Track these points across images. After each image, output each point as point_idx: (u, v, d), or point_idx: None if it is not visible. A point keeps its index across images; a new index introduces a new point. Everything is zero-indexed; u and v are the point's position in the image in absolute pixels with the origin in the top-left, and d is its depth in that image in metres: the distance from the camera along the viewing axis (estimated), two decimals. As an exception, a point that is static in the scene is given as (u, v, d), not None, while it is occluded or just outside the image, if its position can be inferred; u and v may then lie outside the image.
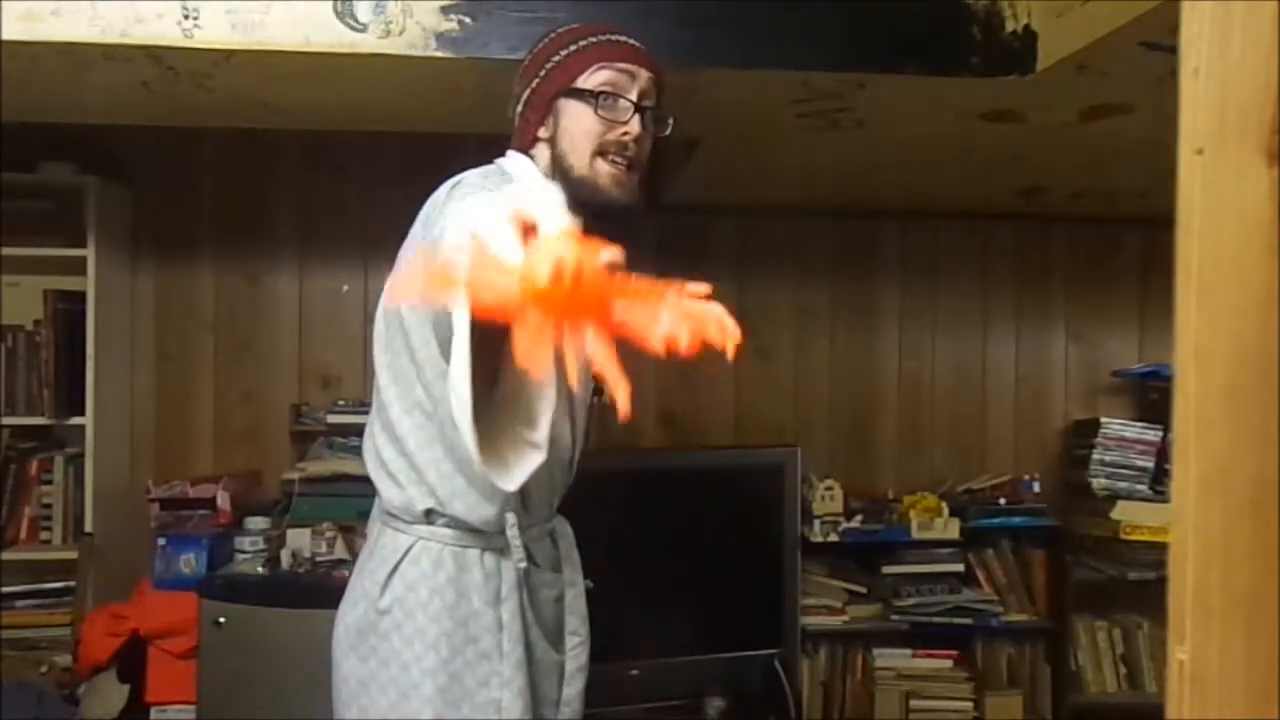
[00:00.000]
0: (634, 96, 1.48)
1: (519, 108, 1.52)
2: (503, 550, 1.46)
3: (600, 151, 1.46)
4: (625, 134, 1.46)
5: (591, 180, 1.46)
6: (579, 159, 1.46)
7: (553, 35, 1.53)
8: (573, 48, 1.49)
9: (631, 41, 1.51)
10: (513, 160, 1.52)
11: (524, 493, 1.42)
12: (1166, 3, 1.42)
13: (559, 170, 1.48)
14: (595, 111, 1.45)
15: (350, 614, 1.49)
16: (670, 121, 1.53)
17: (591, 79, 1.46)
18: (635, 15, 1.78)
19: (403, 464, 1.45)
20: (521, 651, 1.45)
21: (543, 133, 1.49)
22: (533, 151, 1.51)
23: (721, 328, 0.81)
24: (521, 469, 1.19)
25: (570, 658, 1.56)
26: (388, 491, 1.48)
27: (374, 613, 1.44)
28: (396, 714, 1.41)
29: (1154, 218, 3.14)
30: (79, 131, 2.81)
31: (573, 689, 1.56)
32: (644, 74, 1.48)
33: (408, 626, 1.42)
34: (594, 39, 1.49)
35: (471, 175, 1.46)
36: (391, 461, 1.47)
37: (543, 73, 1.49)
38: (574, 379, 0.91)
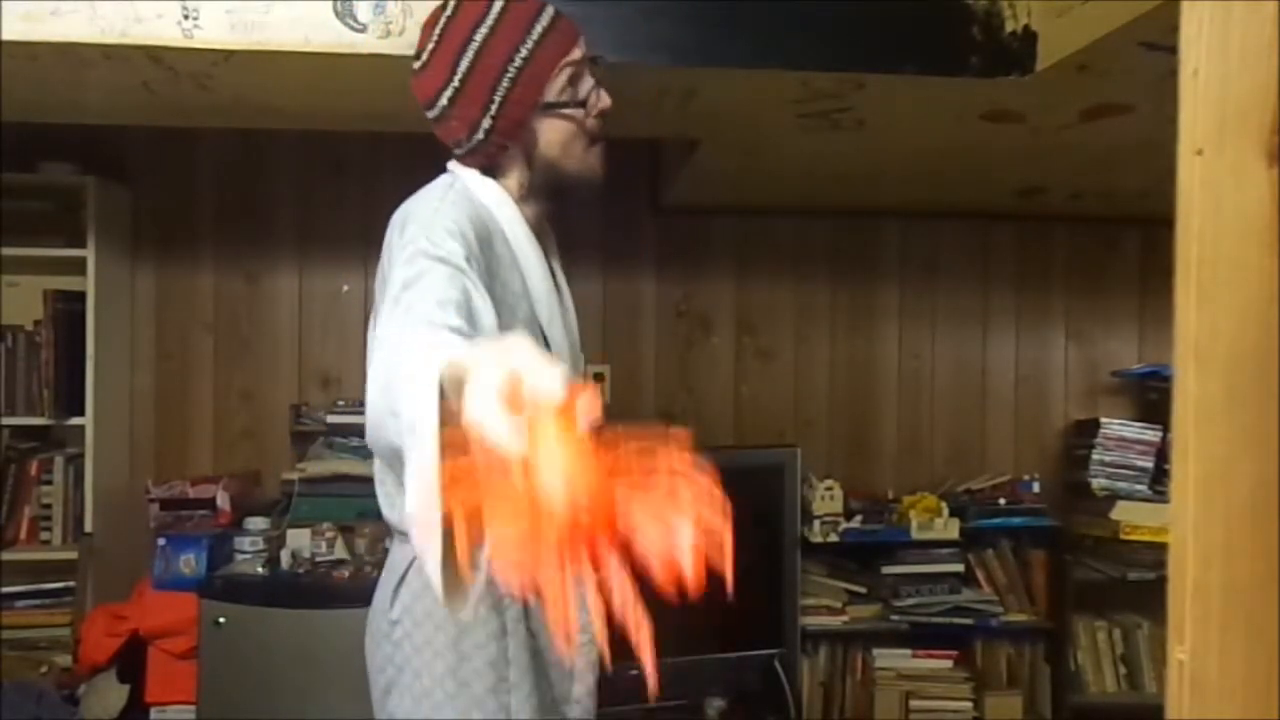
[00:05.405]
0: (589, 78, 1.45)
1: (479, 135, 1.41)
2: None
3: (590, 143, 1.45)
4: (602, 112, 1.45)
5: (585, 173, 1.46)
6: (574, 161, 1.45)
7: (474, 54, 1.39)
8: (519, 59, 1.39)
9: (551, 9, 1.42)
10: (466, 174, 1.45)
11: None
12: (1166, 3, 1.42)
13: (545, 175, 1.44)
14: (586, 117, 1.43)
15: (372, 622, 1.52)
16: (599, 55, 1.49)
17: (557, 84, 1.41)
18: (636, 15, 1.78)
19: (393, 479, 1.45)
20: (528, 656, 1.44)
21: (513, 148, 1.43)
22: (500, 164, 1.44)
23: (715, 504, 0.77)
24: (475, 593, 1.00)
25: (579, 655, 1.54)
26: (383, 506, 1.50)
27: (387, 623, 1.47)
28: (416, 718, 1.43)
29: (1154, 218, 3.14)
30: (79, 131, 2.81)
31: (582, 686, 1.54)
32: (581, 40, 1.44)
33: (417, 635, 1.43)
34: (533, 38, 1.39)
35: (424, 197, 1.40)
36: (384, 479, 1.48)
37: (500, 95, 1.39)
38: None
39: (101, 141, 3.02)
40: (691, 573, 0.75)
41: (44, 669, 2.81)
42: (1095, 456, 3.30)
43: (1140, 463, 3.28)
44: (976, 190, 3.17)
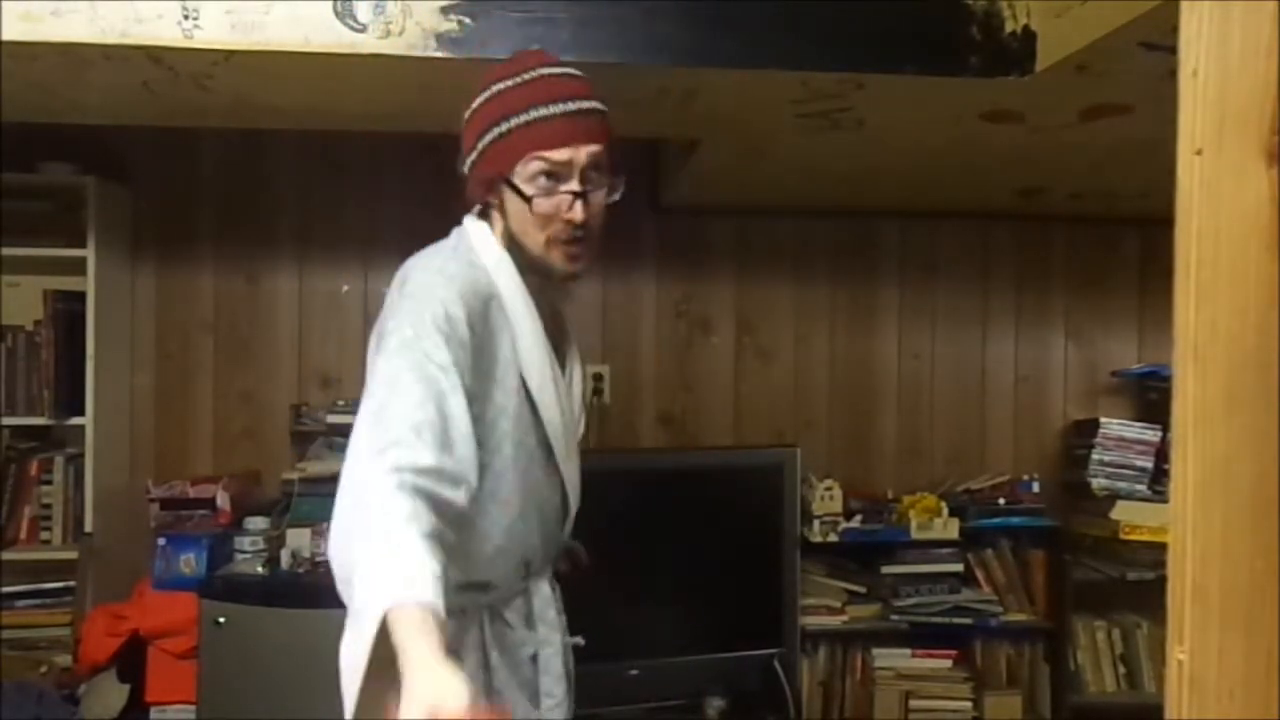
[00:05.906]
0: (574, 184, 1.43)
1: (463, 169, 1.49)
2: (463, 610, 1.44)
3: (550, 239, 1.45)
4: (570, 222, 1.44)
5: (546, 262, 1.47)
6: (530, 242, 1.46)
7: (485, 98, 1.46)
8: (501, 129, 1.42)
9: (569, 107, 1.42)
10: (472, 230, 1.50)
11: (485, 579, 1.46)
12: (1166, 3, 1.42)
13: (514, 244, 1.47)
14: (531, 211, 1.42)
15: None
16: (621, 183, 1.49)
17: (526, 171, 1.42)
18: (636, 15, 1.78)
19: None
20: None
21: (493, 200, 1.48)
22: (490, 214, 1.50)
23: None
24: None
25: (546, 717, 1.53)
26: None
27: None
28: None
29: (1153, 218, 3.13)
30: (79, 131, 2.81)
31: None
32: (583, 151, 1.42)
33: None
34: (523, 118, 1.41)
35: (425, 263, 1.44)
36: None
37: (478, 149, 1.46)
38: None
39: (101, 141, 3.02)
40: None
41: (44, 669, 2.81)
42: (1095, 456, 3.30)
43: (1140, 463, 3.28)
44: (976, 190, 3.17)
